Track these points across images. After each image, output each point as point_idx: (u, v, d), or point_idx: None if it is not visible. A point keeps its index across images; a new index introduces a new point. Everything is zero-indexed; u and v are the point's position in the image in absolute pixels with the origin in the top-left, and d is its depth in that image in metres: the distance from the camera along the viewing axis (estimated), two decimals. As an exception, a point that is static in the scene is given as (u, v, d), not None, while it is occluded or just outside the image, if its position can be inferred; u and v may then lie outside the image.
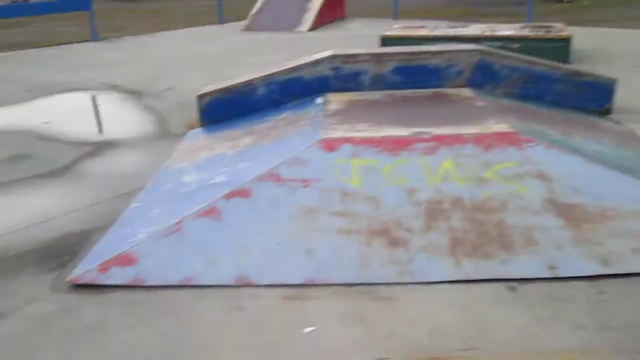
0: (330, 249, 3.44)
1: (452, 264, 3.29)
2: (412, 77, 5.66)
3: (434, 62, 5.59)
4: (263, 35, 13.12)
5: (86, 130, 6.24)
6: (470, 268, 3.25)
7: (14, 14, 15.38)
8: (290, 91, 5.75)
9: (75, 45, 12.63)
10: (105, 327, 2.86)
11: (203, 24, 15.86)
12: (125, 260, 3.37)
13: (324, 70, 5.69)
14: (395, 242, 3.45)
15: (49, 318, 2.95)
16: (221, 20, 15.98)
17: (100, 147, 5.65)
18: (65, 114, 6.76)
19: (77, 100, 6.38)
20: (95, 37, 13.07)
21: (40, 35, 14.52)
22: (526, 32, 8.95)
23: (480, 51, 5.58)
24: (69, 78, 8.99)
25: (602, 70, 6.60)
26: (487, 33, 8.13)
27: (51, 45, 12.77)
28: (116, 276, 3.26)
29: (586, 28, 12.04)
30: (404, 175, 3.95)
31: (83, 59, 10.79)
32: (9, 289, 3.24)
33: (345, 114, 5.00)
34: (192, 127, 5.91)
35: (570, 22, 12.70)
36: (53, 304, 3.08)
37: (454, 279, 3.20)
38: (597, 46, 10.30)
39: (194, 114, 6.03)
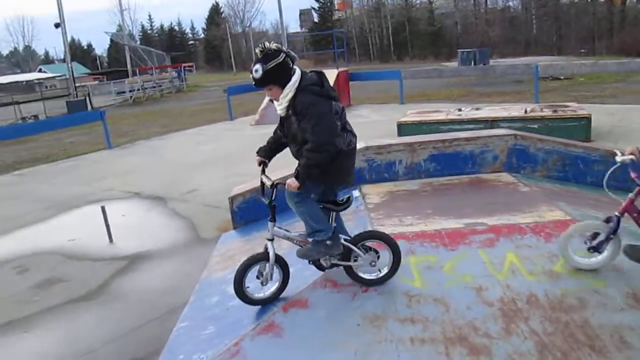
0: (407, 362, 3.14)
1: (546, 372, 2.98)
2: (447, 165, 5.58)
3: (468, 148, 5.53)
4: (272, 128, 13.28)
5: (114, 243, 6.05)
6: (569, 377, 2.94)
7: (29, 131, 15.71)
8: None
9: (88, 155, 12.75)
10: None
11: (209, 122, 16.17)
12: (186, 395, 3.06)
13: (357, 162, 5.58)
14: (476, 351, 3.15)
15: None
16: (231, 116, 16.31)
17: (132, 261, 5.44)
18: (90, 228, 6.59)
19: (101, 212, 6.23)
20: (109, 146, 13.23)
21: (51, 149, 14.71)
22: (544, 112, 9.00)
23: (514, 135, 5.53)
24: (89, 189, 8.93)
25: (625, 146, 6.53)
26: (504, 114, 8.16)
27: (65, 157, 12.88)
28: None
29: (594, 105, 12.20)
30: (468, 272, 3.72)
31: (99, 168, 10.82)
32: None
33: (388, 207, 4.85)
34: (225, 230, 5.74)
35: (572, 99, 12.97)
36: None
37: (552, 389, 2.89)
38: (612, 122, 10.37)
39: (224, 216, 5.88)
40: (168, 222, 6.63)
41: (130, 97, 30.12)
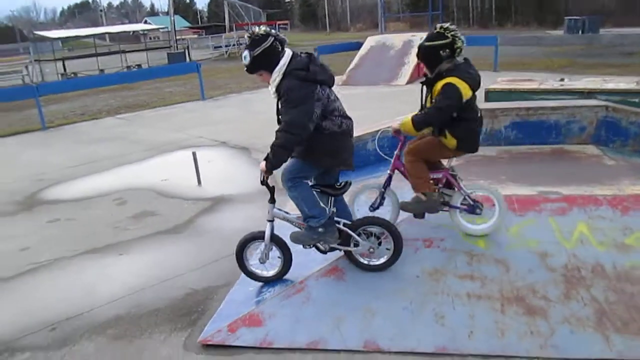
0: (461, 315, 3.27)
1: (601, 340, 3.00)
2: (529, 133, 5.47)
3: (553, 117, 5.38)
4: (360, 90, 13.36)
5: (202, 186, 6.52)
6: (622, 346, 2.94)
7: (133, 79, 16.84)
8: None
9: (183, 104, 13.51)
10: (239, 390, 2.86)
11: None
12: (253, 320, 3.38)
13: (436, 127, 5.63)
14: (532, 311, 3.22)
15: (185, 378, 3.00)
16: (319, 76, 16.52)
17: (216, 203, 5.86)
18: (181, 170, 7.13)
19: (191, 157, 6.71)
20: (203, 97, 13.95)
21: (151, 97, 15.68)
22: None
23: (605, 107, 5.30)
24: (181, 136, 9.56)
25: None
26: (602, 86, 7.71)
27: (163, 105, 13.74)
28: (245, 337, 3.28)
29: None
30: (534, 237, 3.74)
31: (193, 117, 11.47)
32: (146, 347, 3.35)
33: (463, 171, 4.82)
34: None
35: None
36: (187, 364, 3.14)
37: (605, 357, 2.91)
38: None
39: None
40: (250, 171, 7.01)
41: (226, 51, 31.08)
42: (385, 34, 20.08)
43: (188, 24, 62.88)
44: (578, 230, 3.74)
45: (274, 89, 3.36)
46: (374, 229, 3.62)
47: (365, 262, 3.67)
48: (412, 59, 14.77)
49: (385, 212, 3.88)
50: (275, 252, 3.68)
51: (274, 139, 3.29)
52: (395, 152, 3.92)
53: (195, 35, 45.04)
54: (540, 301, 3.28)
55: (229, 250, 4.63)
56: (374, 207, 3.94)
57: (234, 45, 31.68)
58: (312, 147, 3.37)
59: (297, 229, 3.63)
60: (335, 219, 3.62)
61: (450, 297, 3.38)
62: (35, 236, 5.40)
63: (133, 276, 4.30)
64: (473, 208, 3.76)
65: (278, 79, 3.30)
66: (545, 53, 19.54)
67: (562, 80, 9.01)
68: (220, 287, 3.97)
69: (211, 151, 8.28)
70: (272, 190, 3.53)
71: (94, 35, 33.46)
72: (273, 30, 3.39)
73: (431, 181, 3.81)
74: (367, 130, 5.90)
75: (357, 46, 17.09)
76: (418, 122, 3.61)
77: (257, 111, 11.49)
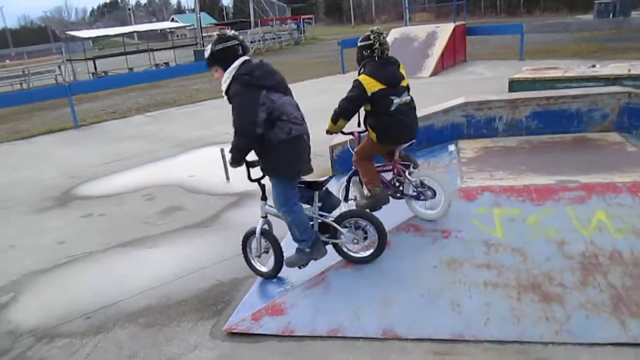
0: (477, 303, 3.35)
1: (616, 324, 3.04)
2: (551, 122, 5.46)
3: (574, 106, 5.36)
4: (384, 83, 13.37)
5: (230, 182, 6.70)
6: (638, 331, 2.99)
7: (161, 77, 17.18)
8: (421, 139, 5.74)
9: (209, 101, 13.75)
10: (262, 375, 3.00)
11: (323, 74, 16.54)
12: (276, 310, 3.52)
13: (456, 118, 5.68)
14: (548, 298, 3.28)
15: (211, 364, 3.17)
16: (343, 70, 16.58)
17: (241, 198, 6.03)
18: (207, 166, 7.33)
19: (217, 154, 6.88)
20: (228, 93, 14.16)
21: (178, 94, 15.98)
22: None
23: (628, 94, 5.26)
24: (208, 132, 9.77)
25: None
26: (631, 72, 7.58)
27: (190, 102, 14.01)
28: (268, 325, 3.42)
29: None
30: (552, 226, 3.78)
31: (218, 114, 11.66)
32: (175, 335, 3.53)
33: (481, 162, 4.92)
34: (324, 176, 6.10)
35: None
36: (213, 351, 3.30)
37: (620, 341, 2.96)
38: None
39: (325, 164, 6.25)
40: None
41: (251, 47, 31.31)
42: (409, 26, 19.98)
43: (214, 21, 63.43)
44: (596, 218, 3.76)
45: (224, 90, 3.49)
46: (360, 222, 3.76)
47: (351, 253, 3.81)
48: (436, 51, 14.73)
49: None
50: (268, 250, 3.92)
51: None
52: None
53: (221, 32, 45.34)
54: (557, 288, 3.33)
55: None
56: (344, 199, 4.39)
57: (259, 41, 31.93)
58: (269, 160, 3.54)
59: (290, 256, 3.80)
60: (321, 213, 3.80)
61: (467, 286, 3.46)
62: (70, 230, 5.66)
63: (162, 268, 4.49)
64: (418, 195, 4.07)
65: (228, 81, 3.44)
66: (573, 39, 19.18)
67: (593, 66, 8.91)
68: (245, 279, 4.12)
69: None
70: (263, 188, 3.73)
71: (122, 34, 34.12)
72: (241, 36, 3.56)
73: (384, 173, 4.23)
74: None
75: (381, 38, 17.05)
76: (332, 115, 4.05)
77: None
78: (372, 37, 3.91)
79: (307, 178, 3.75)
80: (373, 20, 61.20)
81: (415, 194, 4.08)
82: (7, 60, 26.50)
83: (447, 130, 5.72)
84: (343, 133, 4.24)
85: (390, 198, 4.18)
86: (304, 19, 41.31)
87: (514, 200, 4.05)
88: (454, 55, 15.45)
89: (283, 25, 37.89)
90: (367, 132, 4.09)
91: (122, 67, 25.39)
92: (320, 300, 3.55)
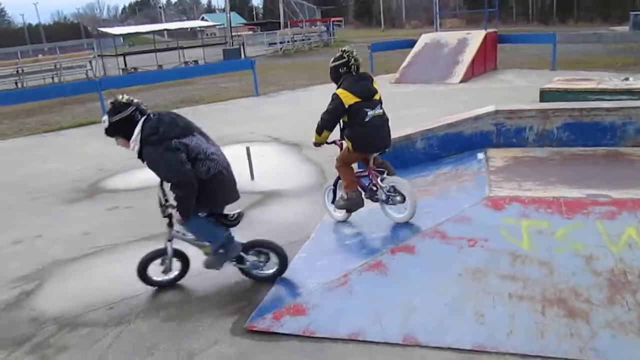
0: (501, 314, 3.30)
1: (644, 344, 2.97)
2: (583, 135, 5.37)
3: (608, 119, 5.26)
4: (413, 88, 13.33)
5: (254, 180, 6.73)
6: (667, 352, 2.91)
7: (190, 74, 17.38)
8: (449, 146, 5.75)
9: (237, 100, 13.86)
10: (281, 375, 3.01)
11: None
12: (297, 310, 3.53)
13: (486, 126, 5.62)
14: (574, 314, 3.22)
15: (230, 361, 3.18)
16: (372, 72, 16.55)
17: (266, 197, 6.05)
18: (233, 165, 7.32)
19: (243, 152, 6.93)
20: (257, 93, 14.27)
21: (207, 92, 16.13)
22: None
23: (665, 107, 5.15)
24: (235, 130, 9.84)
25: None
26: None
27: (218, 100, 14.14)
28: (289, 325, 3.42)
29: None
30: (580, 241, 3.70)
31: (246, 112, 11.77)
32: (195, 329, 3.56)
33: (510, 171, 4.86)
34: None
35: None
36: (233, 347, 3.31)
37: (647, 362, 2.89)
38: None
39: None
40: (300, 166, 7.18)
41: (280, 48, 31.47)
42: (439, 32, 19.88)
43: (244, 21, 63.99)
44: (627, 234, 3.67)
45: (136, 155, 3.61)
46: (262, 249, 4.06)
47: (255, 273, 4.09)
48: (467, 58, 14.60)
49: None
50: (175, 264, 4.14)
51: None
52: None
53: (251, 32, 45.80)
54: (583, 304, 3.26)
55: (277, 241, 4.80)
56: (331, 201, 4.87)
57: (288, 42, 32.07)
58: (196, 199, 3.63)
59: (207, 257, 4.02)
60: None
61: (491, 297, 3.41)
62: (96, 222, 5.75)
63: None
64: (388, 200, 4.43)
65: (137, 147, 3.55)
66: (607, 51, 18.81)
67: (626, 79, 8.73)
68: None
69: (264, 146, 8.50)
70: (170, 217, 3.87)
71: (153, 32, 34.61)
72: (135, 100, 3.62)
73: (363, 178, 4.64)
74: (416, 129, 5.94)
75: (411, 44, 17.00)
76: (316, 128, 4.42)
77: (309, 109, 11.62)
78: (345, 55, 4.31)
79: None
80: (403, 24, 61.00)
81: (385, 198, 4.44)
82: (40, 55, 27.03)
83: (476, 138, 5.67)
84: (327, 143, 4.58)
85: (369, 201, 4.60)
86: (333, 21, 41.43)
87: (543, 212, 3.98)
88: (484, 63, 15.30)
89: (312, 27, 37.99)
90: (345, 142, 4.49)
91: (151, 64, 25.75)
92: (342, 303, 3.54)
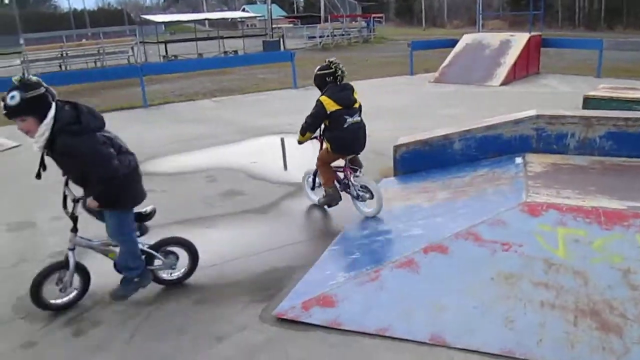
0: (532, 321, 3.26)
1: (680, 363, 2.90)
2: (627, 145, 5.22)
3: (655, 129, 5.11)
4: (452, 88, 13.19)
5: (288, 171, 6.79)
6: None
7: (229, 64, 17.57)
8: (487, 148, 5.68)
9: (275, 92, 13.95)
10: (308, 365, 3.05)
11: (391, 74, 16.44)
12: (326, 301, 3.56)
13: (526, 130, 5.53)
14: (606, 327, 3.16)
15: (258, 347, 3.24)
16: (411, 71, 16.43)
17: (299, 188, 6.08)
18: (268, 154, 7.45)
19: (278, 143, 6.99)
20: (295, 86, 14.34)
21: (245, 82, 16.28)
22: None
23: None
24: (272, 121, 9.92)
25: None
26: None
27: (256, 91, 14.26)
28: (317, 316, 3.46)
29: None
30: (619, 253, 3.62)
31: (282, 104, 11.83)
32: (224, 314, 3.63)
33: (549, 178, 4.77)
34: (386, 176, 6.11)
35: None
36: (261, 334, 3.37)
37: (683, 381, 2.82)
38: None
39: (387, 163, 6.25)
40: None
41: (320, 42, 31.45)
42: (482, 32, 19.57)
43: (284, 13, 64.18)
44: (668, 250, 3.58)
45: (41, 144, 3.20)
46: (174, 248, 3.98)
47: (165, 276, 4.00)
48: (509, 60, 14.35)
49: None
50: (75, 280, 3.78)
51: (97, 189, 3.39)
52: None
53: (291, 25, 45.92)
54: (617, 318, 3.20)
55: (309, 234, 4.90)
56: (311, 188, 5.52)
57: (327, 36, 32.02)
58: (111, 194, 3.43)
59: (116, 288, 3.77)
60: (138, 241, 3.83)
61: (522, 303, 3.38)
62: (133, 204, 5.88)
63: (218, 249, 4.61)
64: (357, 196, 4.99)
65: (47, 134, 3.15)
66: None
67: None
68: (298, 268, 4.17)
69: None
70: (75, 220, 3.62)
71: (194, 21, 35.00)
72: (44, 83, 3.25)
73: (336, 176, 5.18)
74: (455, 130, 5.89)
75: (452, 43, 16.79)
76: (300, 130, 4.99)
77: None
78: (332, 66, 4.82)
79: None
80: (444, 24, 60.23)
81: (356, 195, 4.98)
82: (84, 40, 27.71)
83: (515, 142, 5.58)
84: (310, 138, 5.07)
85: (344, 193, 5.15)
86: (374, 17, 41.17)
87: (581, 221, 3.90)
88: (526, 66, 15.01)
89: (353, 22, 37.86)
90: (325, 143, 5.02)
91: (191, 52, 26.08)
92: (371, 297, 3.56)
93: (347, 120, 4.80)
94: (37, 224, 5.49)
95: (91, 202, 3.45)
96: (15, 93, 3.07)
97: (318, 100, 4.81)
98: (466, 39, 16.29)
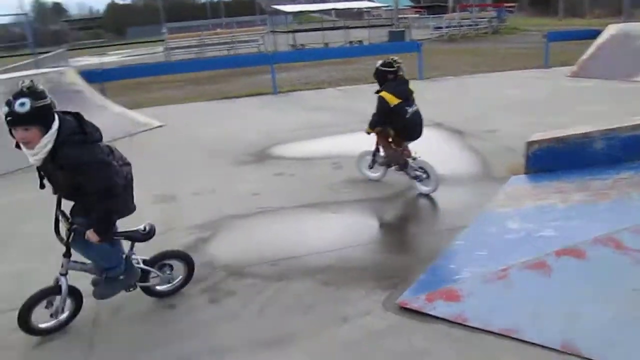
0: (680, 340, 2.99)
1: None
2: None
3: None
4: (592, 83, 12.23)
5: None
6: None
7: (354, 54, 17.76)
8: (633, 149, 5.23)
9: (400, 82, 13.83)
10: (431, 356, 3.05)
11: (521, 67, 15.61)
12: (451, 295, 3.52)
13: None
14: None
15: (381, 333, 3.29)
16: (546, 64, 15.50)
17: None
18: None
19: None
20: (420, 77, 14.14)
21: (369, 72, 16.21)
22: None
23: None
24: (396, 112, 9.87)
25: None
26: None
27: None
28: (441, 309, 3.43)
29: None
30: None
31: (408, 95, 11.73)
32: (350, 297, 3.72)
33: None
34: (516, 173, 5.87)
35: None
36: (384, 321, 3.42)
37: None
38: None
39: (517, 160, 6.00)
40: (462, 155, 7.03)
41: (446, 33, 30.64)
42: (629, 23, 17.88)
43: (410, 3, 63.20)
44: None
45: (42, 156, 3.05)
46: (171, 262, 3.83)
47: (158, 289, 3.85)
48: (662, 54, 12.98)
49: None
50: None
51: (97, 209, 3.19)
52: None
53: (417, 15, 45.13)
54: None
55: (433, 226, 4.87)
56: (370, 167, 6.05)
57: (455, 27, 31.09)
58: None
59: (98, 287, 3.56)
60: (133, 257, 3.63)
61: (669, 319, 3.10)
62: (263, 184, 6.23)
63: (344, 234, 4.73)
64: (415, 177, 5.52)
65: (50, 146, 3.01)
66: None
67: None
68: (423, 259, 4.15)
69: (425, 131, 8.40)
70: (68, 246, 3.41)
71: (321, 11, 35.74)
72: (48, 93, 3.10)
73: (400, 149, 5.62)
74: (595, 128, 5.50)
75: (594, 34, 15.52)
76: (369, 123, 5.57)
77: (474, 96, 11.31)
78: (395, 65, 5.37)
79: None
80: (584, 14, 55.80)
81: (414, 175, 5.49)
82: (219, 29, 29.47)
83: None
84: (369, 133, 5.66)
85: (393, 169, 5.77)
86: (506, 6, 39.22)
87: None
88: (684, 61, 13.47)
89: (482, 12, 36.34)
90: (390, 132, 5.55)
91: (318, 42, 26.67)
92: (499, 296, 3.46)
93: (408, 110, 5.34)
94: (179, 197, 5.99)
95: (92, 235, 3.26)
96: (26, 100, 2.92)
97: (380, 96, 5.32)
98: (611, 29, 14.96)
